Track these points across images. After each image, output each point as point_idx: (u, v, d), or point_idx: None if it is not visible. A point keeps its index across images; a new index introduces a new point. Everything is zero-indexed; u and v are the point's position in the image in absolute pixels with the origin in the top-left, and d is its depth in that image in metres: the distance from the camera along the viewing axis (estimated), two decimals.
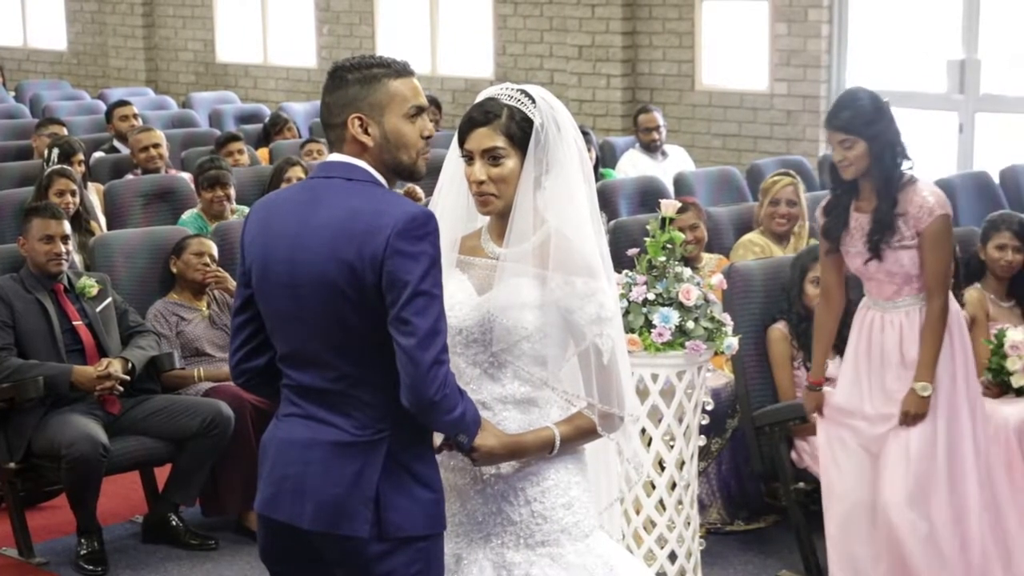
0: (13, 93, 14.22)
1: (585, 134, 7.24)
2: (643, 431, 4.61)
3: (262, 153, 10.07)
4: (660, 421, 4.65)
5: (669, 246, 4.68)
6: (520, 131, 3.28)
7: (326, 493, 3.09)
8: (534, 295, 3.25)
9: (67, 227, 5.95)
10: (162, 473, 5.97)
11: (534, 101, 3.31)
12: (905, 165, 4.81)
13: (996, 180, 8.86)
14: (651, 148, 9.86)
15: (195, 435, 5.68)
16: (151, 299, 6.31)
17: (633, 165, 9.72)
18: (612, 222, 7.19)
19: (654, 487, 4.70)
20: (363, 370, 3.08)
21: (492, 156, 3.28)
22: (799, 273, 5.79)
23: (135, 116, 10.23)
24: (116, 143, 9.94)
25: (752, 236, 7.00)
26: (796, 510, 5.55)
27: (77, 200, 7.23)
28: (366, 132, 3.12)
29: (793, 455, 5.61)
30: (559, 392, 3.33)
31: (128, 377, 5.72)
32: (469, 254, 3.37)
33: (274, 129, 10.75)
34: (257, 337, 3.24)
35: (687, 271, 4.72)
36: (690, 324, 4.59)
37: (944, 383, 4.83)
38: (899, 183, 4.79)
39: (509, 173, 3.27)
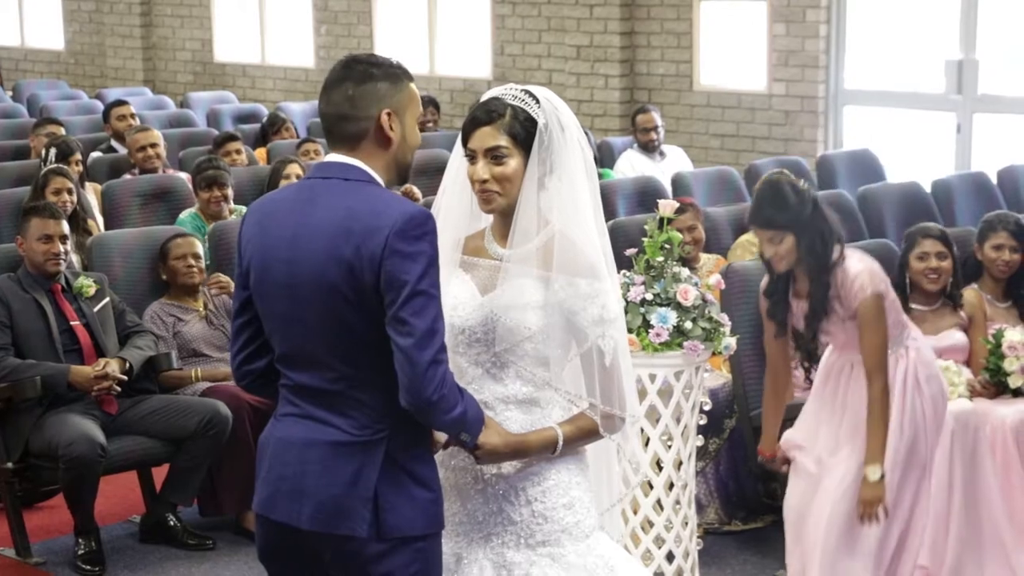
0: (10, 93, 14.21)
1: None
2: (641, 431, 4.61)
3: (260, 153, 10.07)
4: (658, 421, 4.66)
5: (667, 246, 4.68)
6: (524, 131, 3.28)
7: (324, 493, 3.08)
8: (537, 296, 3.26)
9: (65, 227, 5.95)
10: (160, 473, 5.97)
11: (538, 102, 3.32)
12: (836, 250, 4.69)
13: (994, 180, 8.87)
14: (649, 148, 9.85)
15: (193, 435, 5.68)
16: (149, 299, 6.31)
17: (631, 165, 9.72)
18: (610, 222, 7.17)
19: (652, 487, 4.70)
20: (361, 370, 3.07)
21: (495, 155, 3.28)
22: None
23: (133, 116, 10.23)
24: (114, 143, 9.94)
25: (750, 236, 6.98)
26: None
27: (74, 199, 7.22)
28: (391, 128, 3.13)
29: None
30: (561, 392, 3.33)
31: (126, 377, 5.72)
32: (472, 255, 3.37)
33: (272, 129, 10.75)
34: (258, 339, 3.23)
35: (685, 271, 4.72)
36: (688, 324, 4.59)
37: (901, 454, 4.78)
38: (831, 267, 4.68)
39: (512, 172, 3.28)
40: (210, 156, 8.12)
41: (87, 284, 5.91)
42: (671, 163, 9.80)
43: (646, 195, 8.30)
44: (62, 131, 9.45)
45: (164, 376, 6.00)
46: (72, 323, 5.82)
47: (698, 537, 4.88)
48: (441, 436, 3.18)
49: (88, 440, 5.47)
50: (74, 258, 6.64)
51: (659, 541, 4.71)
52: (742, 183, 8.97)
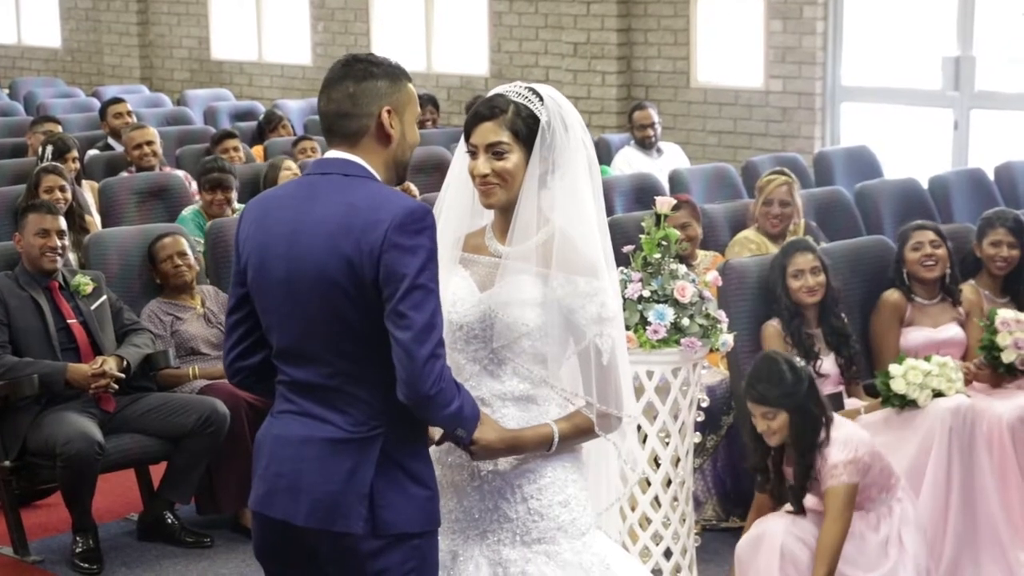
0: (7, 90, 14.21)
1: None
2: (639, 428, 4.61)
3: (257, 150, 10.07)
4: (656, 418, 4.65)
5: (664, 243, 4.68)
6: (526, 128, 3.28)
7: (320, 490, 3.08)
8: (536, 293, 3.26)
9: (62, 223, 5.95)
10: (157, 471, 5.97)
11: (542, 99, 3.32)
12: (822, 433, 4.76)
13: (991, 177, 8.87)
14: (646, 145, 9.86)
15: (190, 433, 5.68)
16: (146, 296, 6.31)
17: (628, 162, 9.72)
18: (607, 219, 7.17)
19: (649, 484, 4.70)
20: (359, 367, 3.07)
21: (496, 151, 3.28)
22: (779, 272, 5.79)
23: (129, 113, 10.22)
24: (110, 140, 9.92)
25: (747, 233, 7.00)
26: None
27: (68, 196, 7.17)
28: (391, 126, 3.14)
29: None
30: (558, 390, 3.33)
31: (123, 375, 5.72)
32: (473, 252, 3.38)
33: (269, 126, 10.74)
34: (252, 335, 3.24)
35: (682, 268, 4.71)
36: (685, 321, 4.59)
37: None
38: (814, 449, 4.75)
39: (513, 168, 3.28)
40: (216, 157, 8.05)
41: (84, 282, 5.90)
42: (668, 160, 9.80)
43: (643, 192, 8.29)
44: (59, 129, 9.45)
45: (162, 374, 6.00)
46: (69, 321, 5.81)
47: (696, 534, 4.87)
48: (435, 432, 3.18)
49: (86, 438, 5.46)
50: (71, 256, 6.63)
51: (657, 538, 4.70)
52: (739, 180, 8.98)
